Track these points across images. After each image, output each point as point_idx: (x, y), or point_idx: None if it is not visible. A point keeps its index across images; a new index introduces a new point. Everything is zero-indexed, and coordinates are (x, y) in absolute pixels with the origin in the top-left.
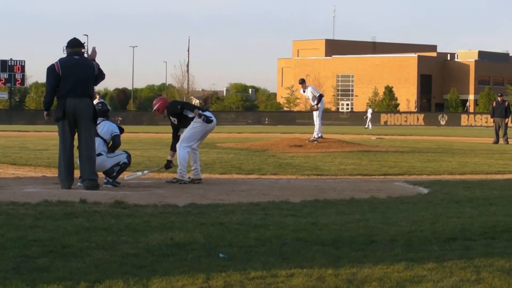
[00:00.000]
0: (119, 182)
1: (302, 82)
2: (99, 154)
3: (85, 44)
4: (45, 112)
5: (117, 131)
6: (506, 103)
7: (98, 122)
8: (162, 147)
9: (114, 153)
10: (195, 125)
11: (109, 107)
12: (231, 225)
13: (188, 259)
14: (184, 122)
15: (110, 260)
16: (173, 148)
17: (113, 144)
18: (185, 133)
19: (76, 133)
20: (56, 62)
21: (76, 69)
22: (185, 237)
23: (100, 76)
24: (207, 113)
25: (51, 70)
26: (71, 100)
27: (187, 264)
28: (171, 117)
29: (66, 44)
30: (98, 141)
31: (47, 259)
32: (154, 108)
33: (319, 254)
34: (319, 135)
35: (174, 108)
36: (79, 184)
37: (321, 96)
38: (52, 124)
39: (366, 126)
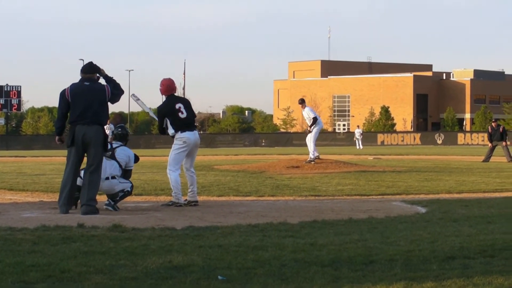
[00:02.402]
0: (119, 207)
1: (302, 102)
2: (113, 177)
3: (100, 68)
4: (56, 137)
5: (132, 164)
6: (501, 128)
7: (116, 145)
8: (159, 170)
9: (124, 179)
10: (176, 146)
11: (128, 131)
12: (230, 247)
13: (187, 282)
14: (159, 124)
15: (108, 284)
16: None
17: (126, 175)
18: (169, 156)
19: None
20: (67, 88)
21: (86, 95)
22: (183, 260)
23: (117, 94)
24: (186, 134)
25: (61, 95)
26: (80, 128)
27: (186, 287)
28: (158, 114)
29: (80, 69)
30: (114, 164)
31: (46, 285)
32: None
33: (318, 274)
34: (316, 155)
35: (165, 112)
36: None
37: (315, 119)
38: (48, 149)
39: (358, 147)
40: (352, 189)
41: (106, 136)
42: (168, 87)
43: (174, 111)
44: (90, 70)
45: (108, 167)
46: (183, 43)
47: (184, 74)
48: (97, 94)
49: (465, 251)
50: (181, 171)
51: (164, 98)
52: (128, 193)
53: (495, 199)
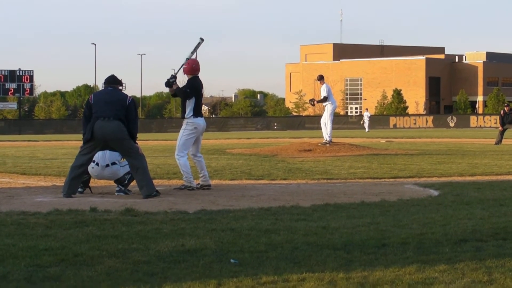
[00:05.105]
0: (130, 190)
1: (320, 78)
2: (114, 163)
3: (122, 82)
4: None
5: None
6: None
7: None
8: (171, 154)
9: (124, 161)
10: (186, 132)
11: None
12: (242, 230)
13: (199, 265)
14: (179, 93)
15: (121, 268)
16: None
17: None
18: (179, 141)
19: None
20: (91, 95)
21: (106, 95)
22: (196, 244)
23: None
24: (198, 120)
25: (86, 102)
26: (99, 123)
27: (199, 270)
28: (187, 89)
29: (104, 81)
30: (113, 151)
31: (59, 268)
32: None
33: (330, 258)
34: (331, 138)
35: (193, 88)
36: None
37: (325, 98)
38: (60, 133)
39: (367, 130)
40: (364, 172)
41: (128, 129)
42: (193, 67)
43: (199, 94)
44: (114, 81)
45: (108, 154)
46: (195, 27)
47: (196, 58)
48: (118, 96)
49: (477, 234)
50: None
51: (187, 77)
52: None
53: (508, 181)
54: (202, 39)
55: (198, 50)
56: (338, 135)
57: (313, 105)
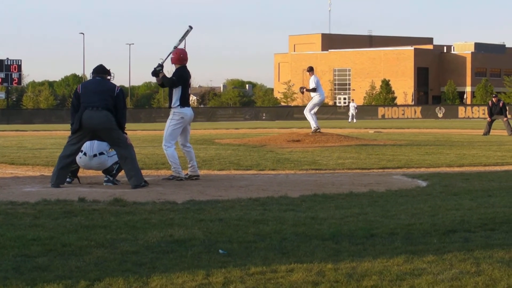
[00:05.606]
0: (119, 180)
1: (310, 70)
2: (101, 153)
3: (110, 71)
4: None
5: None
6: (501, 103)
7: None
8: (159, 144)
9: (112, 151)
10: (173, 122)
11: None
12: (231, 221)
13: (188, 255)
14: (166, 82)
15: (109, 258)
16: None
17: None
18: (166, 131)
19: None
20: (79, 85)
21: (94, 85)
22: (184, 234)
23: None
24: (185, 110)
25: (74, 92)
26: (87, 113)
27: (187, 260)
28: (173, 77)
29: (92, 70)
30: (101, 142)
31: (47, 258)
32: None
33: (319, 248)
34: (316, 125)
35: (180, 78)
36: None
37: (314, 90)
38: (48, 123)
39: (351, 120)
40: (352, 163)
41: (117, 119)
42: (181, 56)
43: (186, 84)
44: (103, 71)
45: (96, 144)
46: (183, 17)
47: (184, 47)
48: (106, 86)
49: (465, 225)
50: (177, 146)
51: (174, 67)
52: None
53: (496, 172)
54: (190, 27)
55: (187, 38)
56: (326, 125)
57: (303, 93)
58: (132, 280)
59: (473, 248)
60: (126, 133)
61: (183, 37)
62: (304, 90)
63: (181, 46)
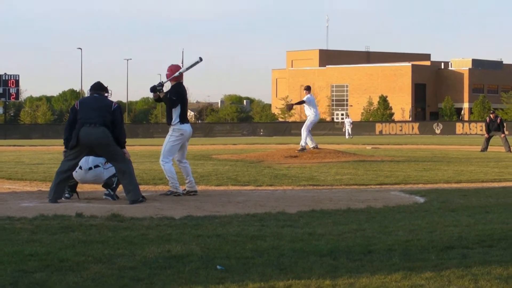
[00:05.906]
0: (117, 195)
1: (307, 89)
2: (97, 166)
3: (108, 88)
4: (64, 151)
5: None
6: (499, 119)
7: None
8: (157, 160)
9: (108, 164)
10: (172, 138)
11: None
12: (228, 236)
13: (185, 271)
14: (166, 103)
15: (107, 274)
16: None
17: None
18: (164, 147)
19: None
20: (77, 101)
21: (92, 101)
22: (182, 250)
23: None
24: (184, 126)
25: (71, 108)
26: (85, 129)
27: (185, 276)
28: (173, 97)
29: (89, 87)
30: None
31: (44, 274)
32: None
33: (317, 264)
34: (305, 144)
35: (178, 96)
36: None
37: (302, 102)
38: (46, 138)
39: (350, 136)
40: (350, 179)
41: (114, 135)
42: (172, 71)
43: (185, 101)
44: (100, 88)
45: (91, 158)
46: (181, 33)
47: (182, 63)
48: (104, 102)
49: (463, 241)
50: (173, 162)
51: (169, 83)
52: None
53: (494, 189)
54: (200, 59)
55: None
56: (324, 141)
57: (289, 110)
58: None
59: (471, 264)
60: (126, 149)
61: (191, 67)
62: (292, 105)
63: (178, 63)
